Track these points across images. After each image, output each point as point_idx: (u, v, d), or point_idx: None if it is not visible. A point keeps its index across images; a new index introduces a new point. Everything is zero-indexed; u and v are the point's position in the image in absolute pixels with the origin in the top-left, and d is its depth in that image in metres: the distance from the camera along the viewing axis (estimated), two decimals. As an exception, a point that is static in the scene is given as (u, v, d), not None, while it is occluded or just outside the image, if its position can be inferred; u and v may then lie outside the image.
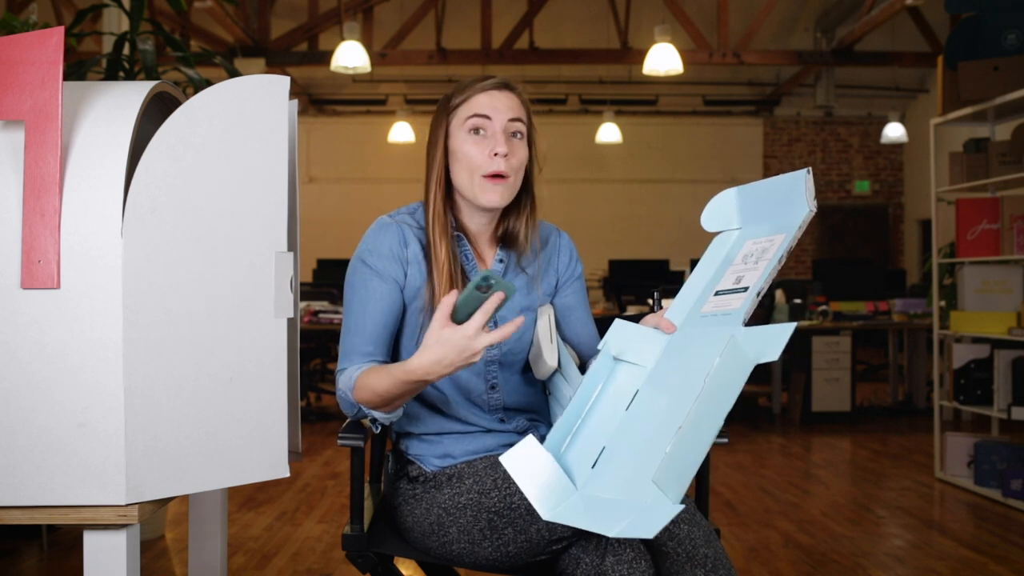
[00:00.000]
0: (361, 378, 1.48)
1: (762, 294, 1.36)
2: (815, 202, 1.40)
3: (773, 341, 1.26)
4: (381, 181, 10.99)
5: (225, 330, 1.36)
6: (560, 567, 1.41)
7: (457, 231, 1.63)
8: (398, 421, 1.66)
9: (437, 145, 1.61)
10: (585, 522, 1.24)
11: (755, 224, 1.49)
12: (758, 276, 1.38)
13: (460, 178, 1.59)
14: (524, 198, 1.65)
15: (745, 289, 1.39)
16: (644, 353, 1.43)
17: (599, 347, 1.47)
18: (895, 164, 11.63)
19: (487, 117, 1.56)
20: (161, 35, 3.50)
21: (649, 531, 1.13)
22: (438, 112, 1.62)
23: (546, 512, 1.28)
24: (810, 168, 1.42)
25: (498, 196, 1.57)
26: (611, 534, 1.17)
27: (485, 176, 1.56)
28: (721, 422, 1.24)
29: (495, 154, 1.55)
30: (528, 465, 1.33)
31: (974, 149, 4.16)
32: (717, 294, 1.43)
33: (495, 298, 1.28)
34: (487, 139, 1.56)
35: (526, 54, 8.64)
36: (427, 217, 1.60)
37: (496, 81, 1.59)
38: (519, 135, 1.59)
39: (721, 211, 1.54)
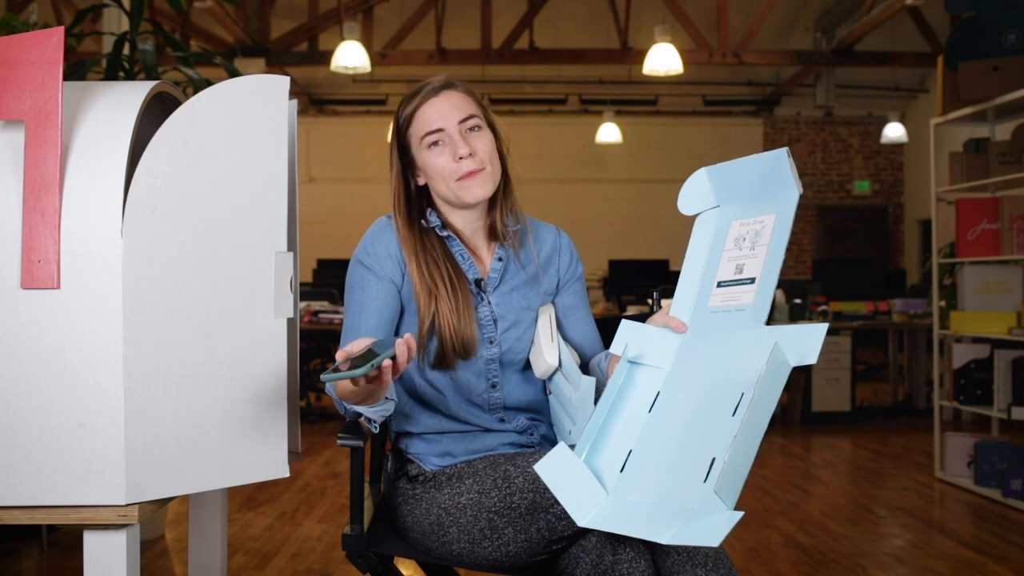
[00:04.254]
0: None
1: (775, 285, 1.35)
2: (800, 182, 1.40)
3: (810, 343, 1.26)
4: (381, 181, 10.91)
5: (225, 330, 1.36)
6: (560, 567, 1.41)
7: (448, 232, 1.64)
8: (397, 420, 1.66)
9: (392, 166, 1.65)
10: (626, 528, 1.23)
11: (734, 202, 1.47)
12: (761, 265, 1.37)
13: (440, 189, 1.61)
14: (500, 182, 1.66)
15: (752, 280, 1.37)
16: (659, 355, 1.42)
17: (614, 352, 1.47)
18: (895, 164, 11.63)
19: (439, 129, 1.58)
20: (161, 35, 3.50)
21: (714, 539, 1.12)
22: (392, 131, 1.66)
23: (581, 519, 1.28)
24: (788, 148, 1.40)
25: (480, 189, 1.59)
26: (663, 540, 1.17)
27: (459, 179, 1.58)
28: (766, 425, 1.23)
29: (460, 158, 1.56)
30: (562, 472, 1.32)
31: (974, 149, 4.16)
32: (720, 285, 1.42)
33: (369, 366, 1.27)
34: (447, 147, 1.58)
35: (526, 54, 8.64)
36: (396, 235, 1.63)
37: (434, 87, 1.60)
38: (476, 128, 1.60)
39: (696, 192, 1.52)
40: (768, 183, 1.42)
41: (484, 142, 1.60)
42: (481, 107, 1.63)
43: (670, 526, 1.19)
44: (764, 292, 1.35)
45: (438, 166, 1.58)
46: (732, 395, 1.28)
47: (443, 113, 1.58)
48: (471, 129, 1.59)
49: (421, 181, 1.64)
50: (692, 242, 1.50)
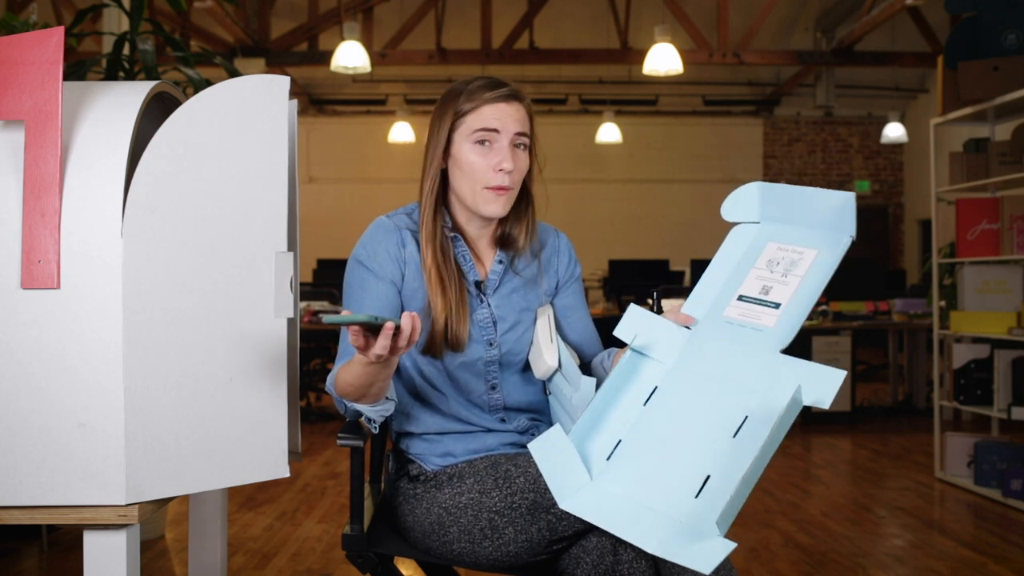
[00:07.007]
0: (339, 372, 1.48)
1: (803, 318, 1.34)
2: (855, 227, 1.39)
3: (826, 387, 1.25)
4: (381, 181, 11.00)
5: (225, 330, 1.36)
6: (561, 567, 1.41)
7: (454, 232, 1.63)
8: (397, 420, 1.66)
9: (437, 149, 1.60)
10: (611, 524, 1.24)
11: (777, 224, 1.47)
12: (791, 294, 1.36)
13: (461, 186, 1.60)
14: (523, 201, 1.66)
15: (776, 305, 1.36)
16: (664, 349, 1.42)
17: (619, 335, 1.46)
18: (895, 164, 11.63)
19: (495, 131, 1.57)
20: (161, 35, 3.50)
21: (707, 566, 1.13)
22: (441, 112, 1.61)
23: (563, 501, 1.28)
24: (855, 194, 1.41)
25: (500, 207, 1.59)
26: (648, 548, 1.18)
27: (488, 188, 1.57)
28: (770, 458, 1.23)
29: (500, 169, 1.56)
30: (552, 453, 1.33)
31: (974, 149, 4.16)
32: (741, 299, 1.41)
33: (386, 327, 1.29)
34: (492, 152, 1.57)
35: (526, 54, 8.63)
36: (420, 219, 1.62)
37: (505, 93, 1.58)
38: (523, 146, 1.60)
39: (742, 202, 1.52)
40: (820, 219, 1.42)
41: (523, 163, 1.60)
42: (533, 127, 1.63)
43: (655, 534, 1.19)
44: (788, 321, 1.34)
45: (474, 164, 1.57)
46: (734, 415, 1.27)
47: (504, 120, 1.57)
48: (517, 146, 1.59)
49: (445, 164, 1.62)
50: (722, 249, 1.50)
